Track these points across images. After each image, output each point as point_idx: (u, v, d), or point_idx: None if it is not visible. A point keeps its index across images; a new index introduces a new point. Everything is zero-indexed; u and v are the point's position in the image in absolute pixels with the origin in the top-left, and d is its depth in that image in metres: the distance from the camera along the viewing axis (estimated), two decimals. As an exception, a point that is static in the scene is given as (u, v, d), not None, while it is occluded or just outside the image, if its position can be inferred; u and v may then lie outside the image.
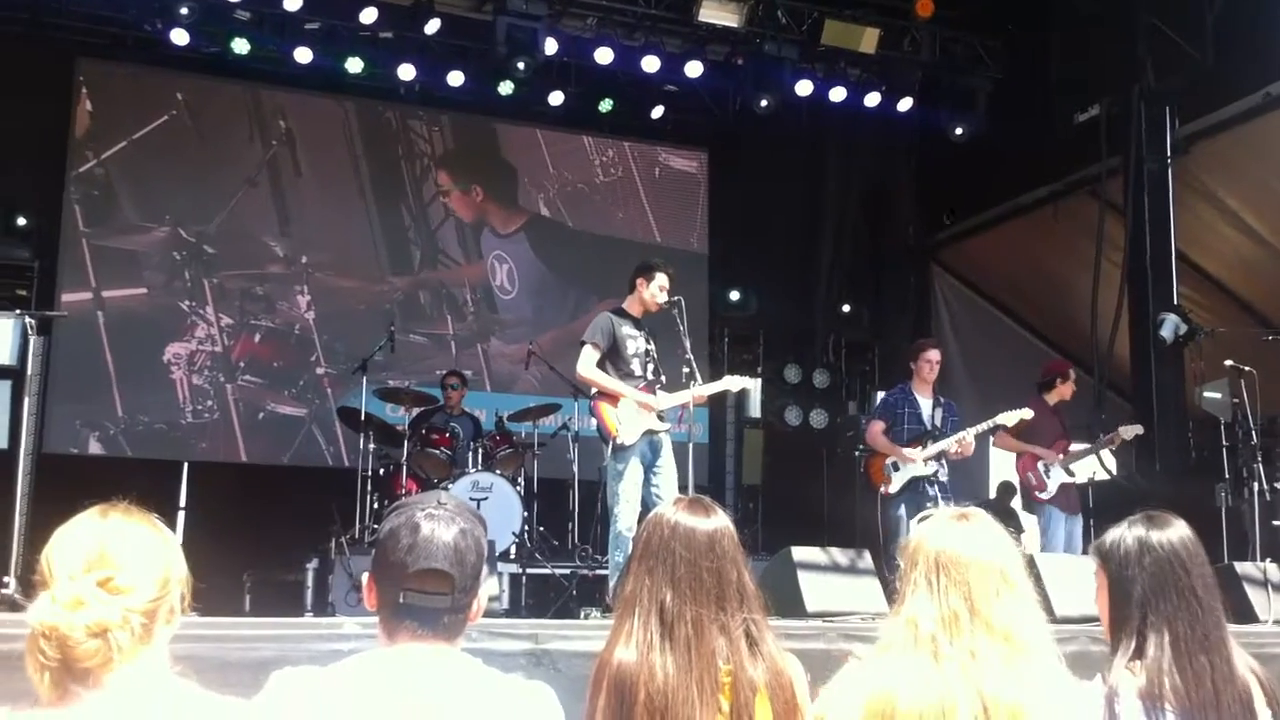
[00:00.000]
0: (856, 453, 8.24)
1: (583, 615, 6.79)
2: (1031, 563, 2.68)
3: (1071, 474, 8.69)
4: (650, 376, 6.96)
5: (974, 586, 2.48)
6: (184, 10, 9.99)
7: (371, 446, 9.41)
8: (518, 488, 9.24)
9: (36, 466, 8.09)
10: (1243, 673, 2.69)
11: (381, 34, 11.05)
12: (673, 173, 13.57)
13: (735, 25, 10.79)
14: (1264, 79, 9.58)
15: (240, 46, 10.78)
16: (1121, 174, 10.46)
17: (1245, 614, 6.54)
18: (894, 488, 7.88)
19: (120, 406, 11.15)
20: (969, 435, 7.90)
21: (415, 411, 9.92)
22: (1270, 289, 11.04)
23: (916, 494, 7.82)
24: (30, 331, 6.23)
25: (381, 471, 9.40)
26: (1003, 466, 9.82)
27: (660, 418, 6.91)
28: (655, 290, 7.00)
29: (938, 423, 8.05)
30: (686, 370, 6.84)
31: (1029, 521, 9.23)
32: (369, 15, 10.44)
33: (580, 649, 4.31)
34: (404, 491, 8.86)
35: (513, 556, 8.90)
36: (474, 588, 2.30)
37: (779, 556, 6.60)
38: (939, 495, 7.78)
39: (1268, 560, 7.36)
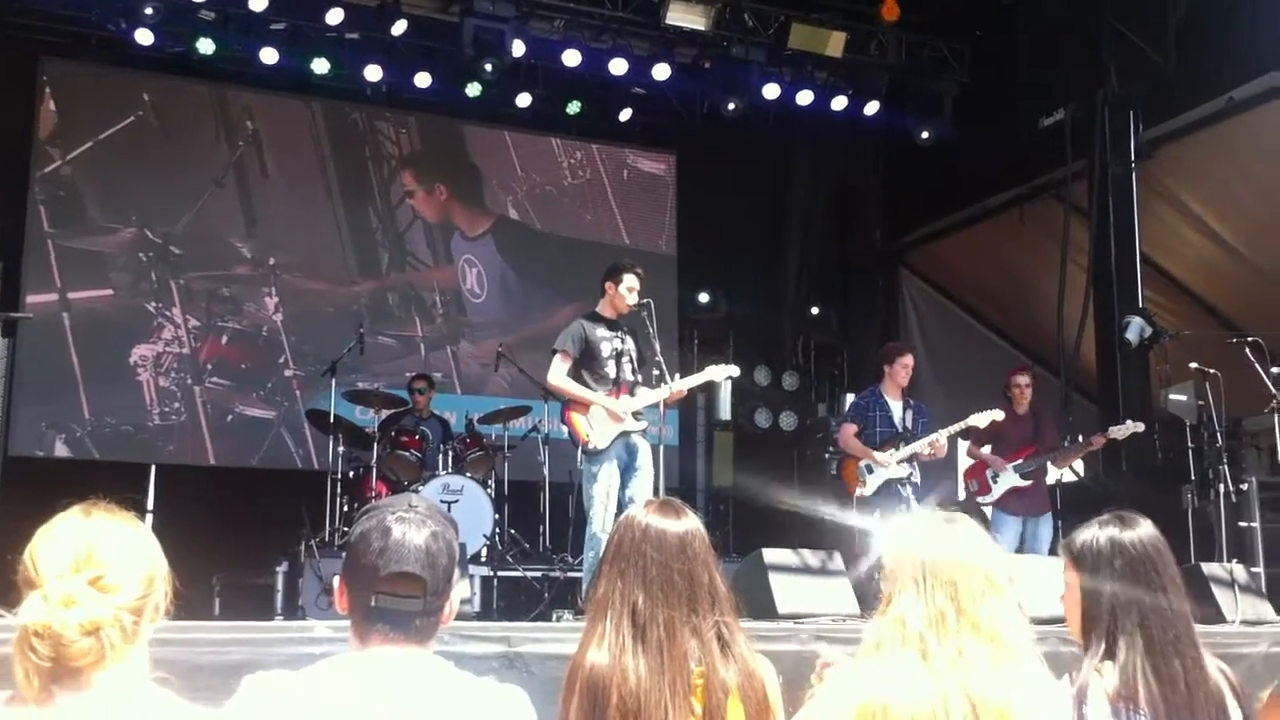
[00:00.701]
0: (827, 455, 8.26)
1: (555, 618, 6.77)
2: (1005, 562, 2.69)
3: (1031, 479, 8.70)
4: (629, 376, 6.97)
5: (960, 587, 2.49)
6: (148, 10, 9.92)
7: (341, 449, 9.37)
8: (488, 490, 9.21)
9: (2, 469, 8.02)
10: (1213, 673, 2.72)
11: (348, 35, 10.99)
12: (641, 175, 13.57)
13: (702, 28, 10.82)
14: (1226, 84, 9.68)
15: (205, 47, 10.68)
16: (1086, 178, 10.53)
17: (1212, 615, 6.60)
18: (869, 490, 7.91)
19: (86, 409, 11.04)
20: (941, 437, 7.95)
21: (385, 414, 9.87)
22: (1234, 292, 11.15)
23: (890, 496, 7.86)
24: (-5, 334, 6.16)
25: (351, 474, 9.36)
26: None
27: (636, 416, 6.90)
28: (624, 291, 7.00)
29: (909, 425, 8.10)
30: (657, 372, 6.86)
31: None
32: (335, 16, 10.38)
33: (552, 651, 4.30)
34: (374, 494, 8.83)
35: (484, 559, 8.86)
36: (446, 590, 2.30)
37: (750, 558, 6.62)
38: (912, 497, 7.84)
39: (1234, 561, 7.44)
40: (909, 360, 8.29)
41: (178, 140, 11.79)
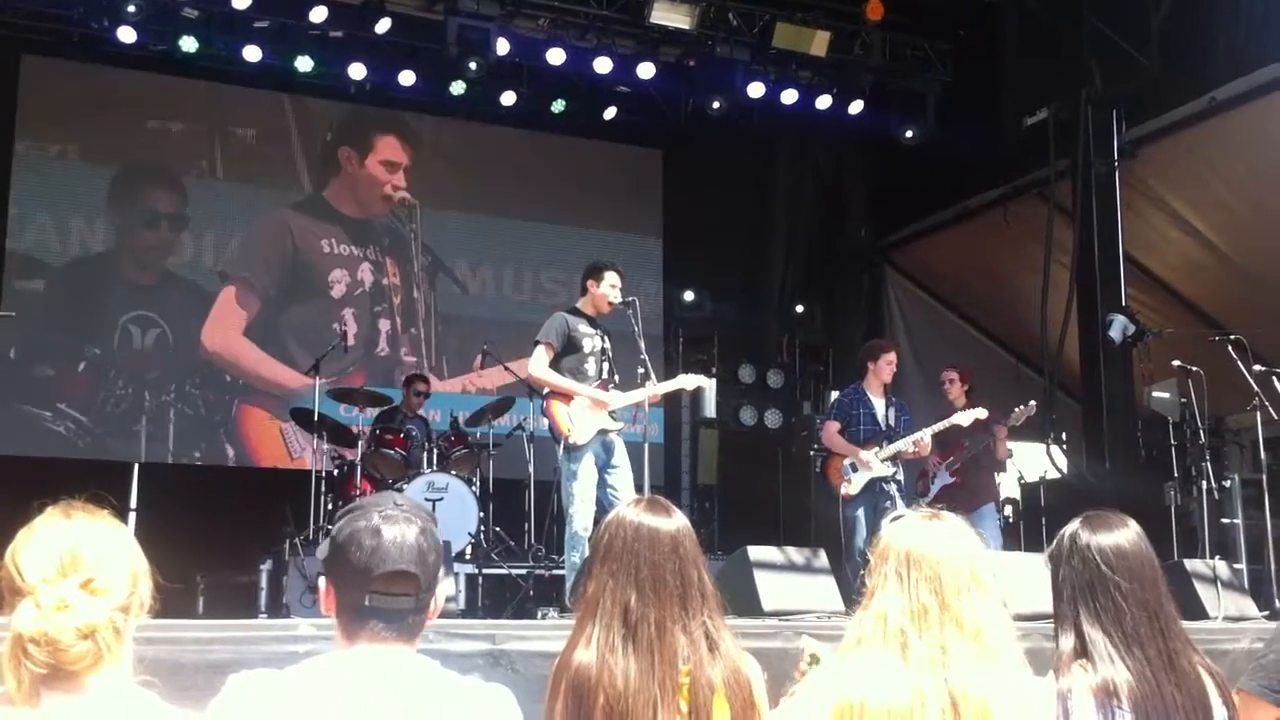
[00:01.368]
0: (812, 452, 8.26)
1: (540, 615, 6.77)
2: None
3: (956, 477, 8.67)
4: (605, 376, 6.96)
5: (944, 581, 2.49)
6: (131, 8, 9.90)
7: (325, 447, 9.35)
8: (473, 488, 9.20)
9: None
10: (1197, 669, 2.73)
11: (331, 33, 10.97)
12: (626, 174, 13.55)
13: (687, 27, 10.83)
14: (1208, 84, 9.72)
15: (188, 45, 10.66)
16: (1070, 177, 10.57)
17: (1195, 611, 6.63)
18: (855, 489, 7.91)
19: (68, 406, 11.03)
20: (926, 435, 7.96)
21: (373, 412, 9.84)
22: (1216, 291, 11.20)
23: (875, 495, 7.88)
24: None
25: (335, 472, 9.34)
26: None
27: (613, 416, 6.91)
28: (607, 289, 7.00)
29: (892, 423, 8.11)
30: (641, 371, 6.86)
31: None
32: (319, 14, 10.37)
33: (538, 649, 4.30)
34: (358, 492, 8.81)
35: (469, 557, 8.86)
36: (435, 586, 2.30)
37: (735, 556, 6.62)
38: (897, 495, 7.85)
39: (1216, 558, 7.48)
40: (892, 357, 8.29)
41: (161, 137, 11.80)
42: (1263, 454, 8.04)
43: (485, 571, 8.83)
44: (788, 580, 6.46)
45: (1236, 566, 7.87)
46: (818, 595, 6.41)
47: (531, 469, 9.77)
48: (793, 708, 2.59)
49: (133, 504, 10.54)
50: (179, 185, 11.95)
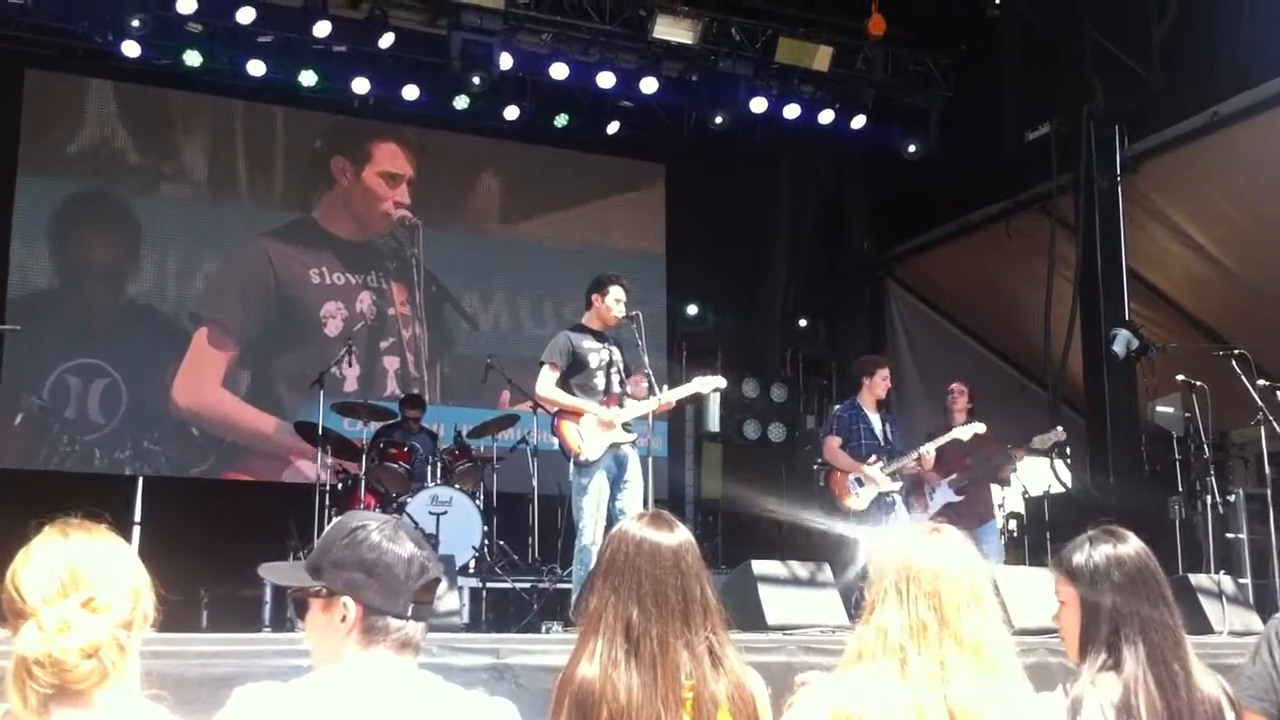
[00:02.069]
0: (815, 466, 8.26)
1: (544, 630, 6.76)
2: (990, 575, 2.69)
3: (964, 494, 8.67)
4: (616, 389, 6.96)
5: (944, 597, 2.48)
6: (135, 22, 9.92)
7: (329, 461, 9.34)
8: (477, 502, 9.19)
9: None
10: (1209, 682, 2.73)
11: (335, 48, 10.99)
12: (629, 188, 13.56)
13: (690, 42, 10.86)
14: (1210, 99, 9.73)
15: (192, 59, 10.71)
16: (1072, 192, 10.58)
17: (1200, 626, 6.61)
18: (863, 504, 7.91)
19: (74, 421, 10.97)
20: (930, 450, 7.97)
21: (375, 426, 9.83)
22: (1219, 305, 11.19)
23: (881, 510, 7.90)
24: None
25: (339, 486, 9.33)
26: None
27: (626, 428, 6.90)
28: (611, 303, 7.00)
29: (890, 438, 8.15)
30: (646, 384, 6.86)
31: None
32: (322, 29, 10.38)
33: (542, 663, 4.29)
34: (362, 506, 8.79)
35: (472, 571, 8.84)
36: None
37: (739, 570, 6.61)
38: (901, 509, 7.88)
39: (1221, 572, 7.45)
40: (887, 372, 8.34)
41: (167, 151, 11.76)
42: (1267, 468, 8.02)
43: (489, 585, 8.81)
44: (792, 594, 6.45)
45: (1241, 581, 7.83)
46: (822, 609, 6.40)
47: (535, 483, 9.76)
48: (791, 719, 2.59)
49: (136, 518, 10.53)
50: (131, 205, 11.46)
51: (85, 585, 1.94)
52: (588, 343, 6.98)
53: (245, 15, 10.13)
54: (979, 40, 11.52)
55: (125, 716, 1.95)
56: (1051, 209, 10.79)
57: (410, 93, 11.53)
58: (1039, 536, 10.61)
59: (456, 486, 9.15)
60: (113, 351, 11.11)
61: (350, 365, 10.20)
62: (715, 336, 13.36)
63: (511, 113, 12.06)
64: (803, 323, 13.79)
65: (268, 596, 8.30)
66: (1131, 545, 2.84)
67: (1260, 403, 7.72)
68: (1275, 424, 7.59)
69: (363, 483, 9.07)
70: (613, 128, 12.63)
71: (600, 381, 6.93)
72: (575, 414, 6.82)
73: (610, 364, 6.99)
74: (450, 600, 5.63)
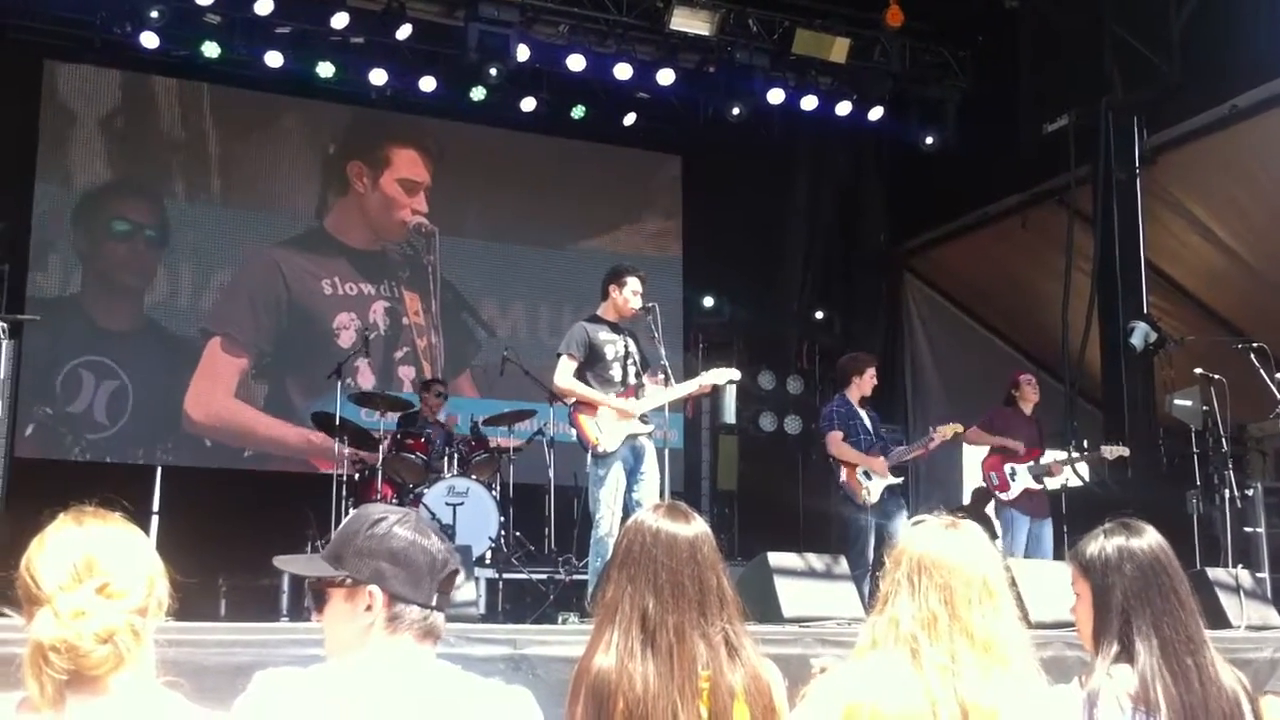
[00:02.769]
0: (831, 460, 8.29)
1: (561, 620, 6.77)
2: (1007, 569, 2.69)
3: (1041, 483, 8.75)
4: (633, 380, 6.95)
5: (955, 591, 2.50)
6: (154, 14, 9.97)
7: (346, 451, 9.37)
8: (493, 493, 9.20)
9: (10, 471, 8.01)
10: (1226, 675, 2.73)
11: (353, 39, 11.01)
12: (645, 180, 13.55)
13: (707, 34, 10.85)
14: (1230, 91, 9.70)
15: (210, 50, 10.74)
16: (1090, 184, 10.54)
17: (1218, 619, 6.60)
18: (873, 498, 7.95)
19: (93, 410, 11.01)
20: (932, 445, 8.11)
21: (394, 417, 9.82)
22: (1238, 298, 11.15)
23: (886, 501, 7.95)
24: (2, 336, 6.17)
25: (356, 476, 9.36)
26: (976, 472, 9.88)
27: (643, 420, 6.90)
28: (628, 295, 6.98)
29: (880, 433, 8.31)
30: (662, 376, 6.86)
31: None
32: (340, 20, 10.42)
33: (559, 654, 4.30)
34: (379, 496, 8.83)
35: (489, 561, 8.86)
36: None
37: (755, 562, 6.62)
38: (903, 500, 8.02)
39: (1239, 566, 7.43)
40: (874, 371, 8.44)
41: (186, 143, 11.77)
42: (1285, 462, 8.01)
43: (506, 576, 8.84)
44: (808, 586, 6.45)
45: (1259, 575, 7.81)
46: (838, 601, 6.40)
47: (552, 474, 9.76)
48: (805, 709, 2.60)
49: (155, 507, 10.59)
50: (158, 203, 11.48)
51: (100, 571, 1.96)
52: (604, 334, 6.97)
53: (263, 6, 10.18)
54: (997, 32, 11.47)
55: (141, 702, 1.96)
56: (1069, 201, 10.74)
57: (427, 84, 11.54)
58: (1056, 530, 10.59)
59: (473, 477, 9.16)
60: (125, 355, 11.10)
61: (366, 355, 10.16)
62: (731, 329, 13.36)
63: (528, 104, 12.07)
64: (819, 315, 13.78)
65: (285, 586, 8.35)
66: (1146, 538, 2.83)
67: (1278, 395, 7.69)
68: (1293, 418, 7.57)
69: (380, 473, 9.10)
70: (629, 119, 12.63)
71: (617, 373, 6.92)
72: (592, 407, 6.82)
73: (627, 355, 6.97)
74: (467, 591, 5.65)
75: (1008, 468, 8.76)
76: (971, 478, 12.07)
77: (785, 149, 13.21)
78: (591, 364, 6.90)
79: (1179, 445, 9.48)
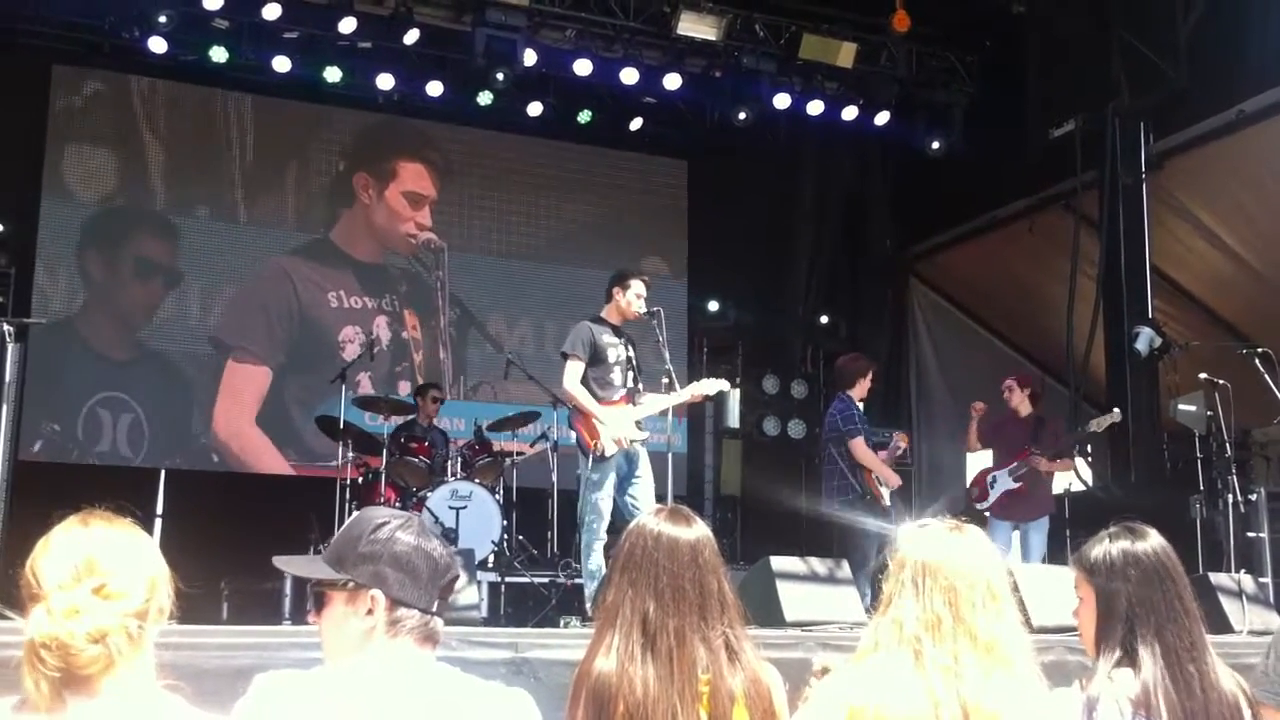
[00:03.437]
0: (845, 463, 8.28)
1: (562, 624, 6.77)
2: (1009, 573, 2.70)
3: (1021, 482, 8.71)
4: (630, 385, 6.95)
5: (959, 593, 2.50)
6: (162, 19, 10.00)
7: (350, 455, 9.38)
8: (497, 496, 9.22)
9: (14, 474, 8.02)
10: (1227, 680, 2.73)
11: (360, 44, 11.04)
12: (651, 184, 13.57)
13: (713, 38, 10.86)
14: (1237, 96, 9.68)
15: (218, 55, 10.76)
16: (1096, 189, 10.53)
17: (1220, 624, 6.59)
18: (888, 501, 8.03)
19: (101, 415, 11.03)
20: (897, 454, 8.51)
21: (395, 421, 9.85)
22: (1243, 303, 11.14)
23: (895, 505, 8.03)
24: (8, 339, 6.17)
25: (360, 480, 9.38)
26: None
27: (639, 426, 6.90)
28: (632, 298, 6.98)
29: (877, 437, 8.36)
30: (666, 381, 6.87)
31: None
32: (347, 25, 10.43)
33: (560, 657, 4.30)
34: (382, 500, 8.84)
35: (491, 565, 8.88)
36: None
37: (758, 566, 6.62)
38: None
39: (1242, 571, 7.42)
40: (873, 373, 8.51)
41: (191, 148, 11.79)
42: (1289, 467, 7.99)
43: (508, 580, 8.85)
44: (810, 590, 6.45)
45: (1262, 580, 7.79)
46: (840, 606, 6.40)
47: (554, 478, 9.78)
48: (808, 711, 2.60)
49: (159, 510, 10.60)
50: (169, 225, 11.43)
51: (100, 572, 1.97)
52: (607, 337, 6.96)
53: (271, 11, 10.20)
54: (1003, 37, 11.48)
55: (135, 705, 1.97)
56: (1075, 206, 10.74)
57: (434, 89, 11.56)
58: (1059, 535, 10.57)
59: (476, 481, 9.18)
60: (132, 383, 11.05)
61: (370, 369, 10.18)
62: (736, 332, 13.37)
63: (535, 109, 12.08)
64: (824, 320, 13.77)
65: (288, 589, 8.36)
66: (1150, 542, 2.84)
67: (1283, 401, 7.68)
68: (1297, 423, 7.56)
69: (383, 477, 9.11)
70: (635, 124, 12.64)
71: (617, 377, 6.92)
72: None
73: (627, 360, 6.98)
74: (470, 594, 5.65)
75: (989, 476, 8.81)
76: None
77: (791, 154, 13.21)
78: (593, 366, 6.89)
79: (1183, 450, 9.47)
